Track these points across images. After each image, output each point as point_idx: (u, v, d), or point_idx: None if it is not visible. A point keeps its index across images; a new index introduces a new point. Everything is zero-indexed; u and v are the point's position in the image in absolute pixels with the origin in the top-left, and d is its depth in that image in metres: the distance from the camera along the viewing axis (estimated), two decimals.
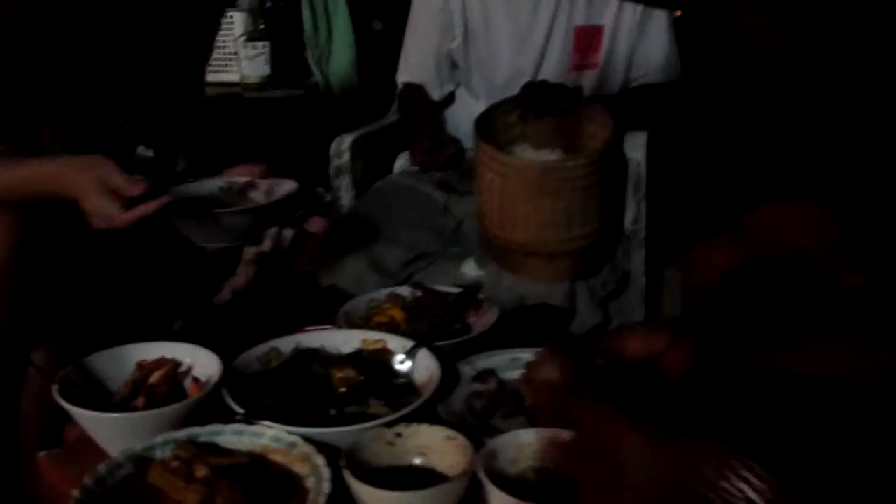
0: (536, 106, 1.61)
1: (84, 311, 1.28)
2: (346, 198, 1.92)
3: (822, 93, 0.99)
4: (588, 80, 1.83)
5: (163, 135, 1.47)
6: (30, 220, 1.17)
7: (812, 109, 1.01)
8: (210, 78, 2.59)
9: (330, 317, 1.22)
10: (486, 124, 1.60)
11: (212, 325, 1.44)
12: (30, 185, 1.15)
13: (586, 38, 1.81)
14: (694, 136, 2.08)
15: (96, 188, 1.09)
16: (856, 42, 0.94)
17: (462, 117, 1.90)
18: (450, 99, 1.94)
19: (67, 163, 1.14)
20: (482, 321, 1.22)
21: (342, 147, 1.91)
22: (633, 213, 1.76)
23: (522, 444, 0.90)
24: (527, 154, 1.60)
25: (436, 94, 1.90)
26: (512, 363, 1.10)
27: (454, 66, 1.89)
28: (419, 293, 1.29)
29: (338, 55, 2.53)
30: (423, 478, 0.88)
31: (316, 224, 1.76)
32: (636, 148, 1.73)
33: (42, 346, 1.19)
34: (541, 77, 1.80)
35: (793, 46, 0.98)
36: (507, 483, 0.82)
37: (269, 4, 2.57)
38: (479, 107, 1.77)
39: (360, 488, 0.82)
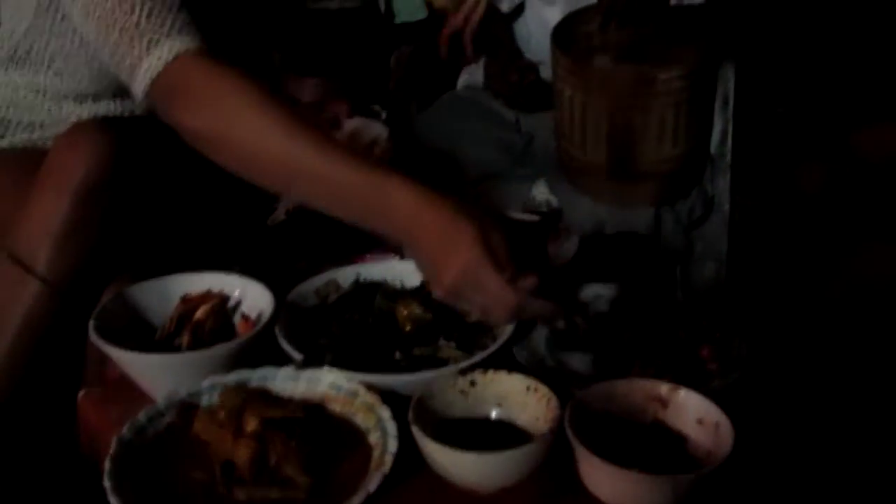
0: (619, 14, 1.45)
1: (157, 242, 1.16)
2: (409, 112, 1.79)
3: None
4: None
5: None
6: (123, 140, 1.02)
7: None
8: None
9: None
10: (564, 35, 1.44)
11: (265, 249, 1.34)
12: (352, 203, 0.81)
13: None
14: (786, 49, 1.90)
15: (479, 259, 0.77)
16: None
17: (534, 28, 1.74)
18: (520, 8, 1.78)
19: (432, 206, 0.78)
20: (560, 252, 1.10)
21: (402, 60, 1.77)
22: (719, 133, 1.61)
23: (616, 396, 0.79)
24: (609, 64, 1.44)
25: (505, 3, 1.74)
26: (596, 300, 1.01)
27: None
28: None
29: None
30: (502, 433, 0.78)
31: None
32: (725, 62, 1.57)
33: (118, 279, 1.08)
34: None
35: None
36: (599, 442, 0.71)
37: None
38: (554, 14, 1.61)
39: (430, 446, 0.72)
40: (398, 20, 2.37)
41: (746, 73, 1.68)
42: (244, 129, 0.82)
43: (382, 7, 2.35)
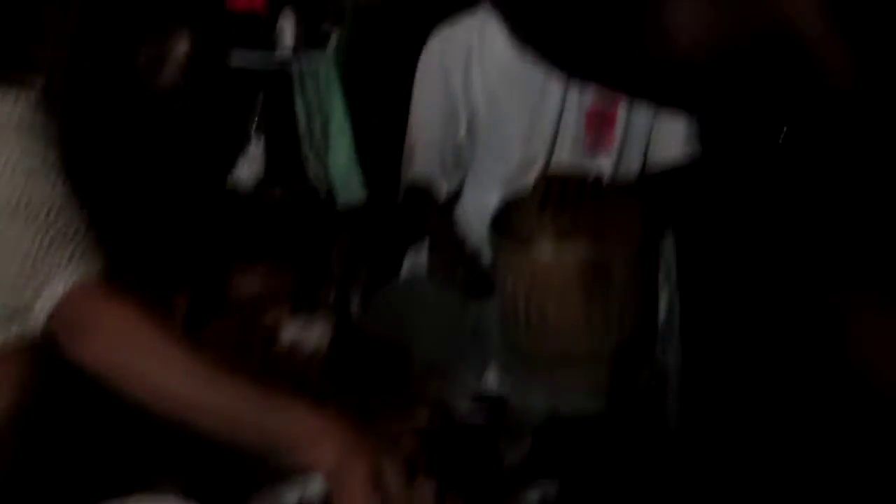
0: (556, 197, 1.47)
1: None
2: (353, 305, 1.77)
3: None
4: (604, 163, 1.71)
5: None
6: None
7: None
8: None
9: None
10: (502, 222, 1.46)
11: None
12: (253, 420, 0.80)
13: (599, 121, 1.69)
14: (724, 217, 1.95)
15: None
16: None
17: (473, 211, 1.77)
18: (458, 194, 1.81)
19: (329, 441, 0.78)
20: (512, 451, 1.07)
21: (344, 251, 1.77)
22: (665, 305, 1.61)
23: None
24: (550, 250, 1.45)
25: (443, 190, 1.77)
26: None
27: (461, 158, 1.77)
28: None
29: (336, 150, 2.42)
30: None
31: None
32: (664, 236, 1.60)
33: None
34: (554, 163, 1.68)
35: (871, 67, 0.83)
36: None
37: (262, 102, 2.47)
38: (491, 198, 1.64)
39: None
40: (339, 202, 2.40)
41: (686, 245, 1.70)
42: (142, 366, 0.82)
43: (322, 192, 2.38)
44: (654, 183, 1.70)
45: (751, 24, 0.81)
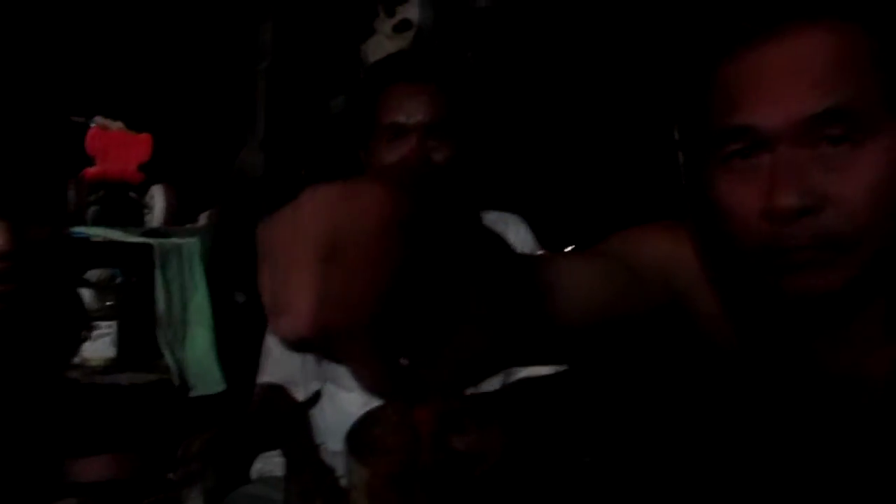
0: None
1: None
2: None
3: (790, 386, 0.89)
4: None
5: None
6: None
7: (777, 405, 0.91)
8: None
9: None
10: (362, 434, 1.41)
11: None
12: None
13: None
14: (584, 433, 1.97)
15: None
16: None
17: (332, 414, 1.71)
18: (316, 395, 1.76)
19: None
20: None
21: (192, 450, 1.67)
22: None
23: None
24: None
25: (300, 394, 1.72)
26: None
27: (320, 362, 1.73)
28: None
29: (194, 336, 2.33)
30: None
31: None
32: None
33: None
34: None
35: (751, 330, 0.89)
36: None
37: (119, 279, 2.38)
38: (353, 400, 1.60)
39: None
40: (194, 393, 2.29)
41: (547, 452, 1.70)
42: None
43: (176, 380, 2.27)
44: (513, 393, 1.71)
45: (646, 298, 0.87)
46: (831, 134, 0.74)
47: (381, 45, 2.88)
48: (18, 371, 1.27)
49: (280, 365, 1.73)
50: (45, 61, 3.26)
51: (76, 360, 2.25)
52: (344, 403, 1.67)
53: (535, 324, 0.71)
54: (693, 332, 0.94)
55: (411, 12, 2.82)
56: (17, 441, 1.31)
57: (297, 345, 0.45)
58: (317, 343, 0.44)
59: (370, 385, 0.46)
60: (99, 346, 2.22)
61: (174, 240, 2.39)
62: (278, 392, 1.73)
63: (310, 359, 1.72)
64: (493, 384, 1.74)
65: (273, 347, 1.76)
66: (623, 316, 0.85)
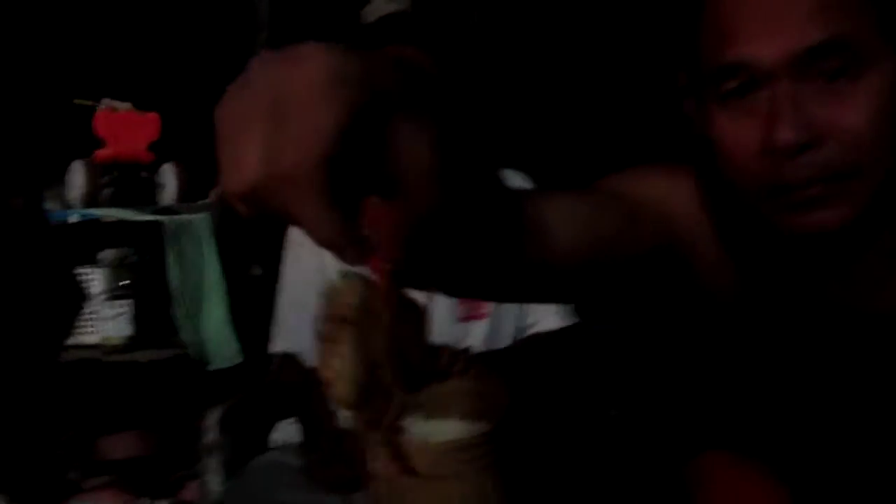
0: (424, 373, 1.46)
1: None
2: (214, 482, 1.68)
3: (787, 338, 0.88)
4: (477, 331, 1.72)
5: None
6: None
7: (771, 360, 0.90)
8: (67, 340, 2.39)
9: None
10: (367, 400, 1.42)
11: None
12: None
13: None
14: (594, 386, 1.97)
15: None
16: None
17: None
18: None
19: None
20: None
21: (210, 422, 1.70)
22: None
23: None
24: (417, 426, 1.42)
25: (315, 362, 1.74)
26: None
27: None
28: None
29: (209, 311, 2.35)
30: None
31: (192, 491, 1.57)
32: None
33: None
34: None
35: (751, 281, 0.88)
36: None
37: (133, 258, 2.40)
38: None
39: None
40: (212, 366, 2.31)
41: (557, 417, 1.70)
42: None
43: (194, 355, 2.30)
44: (524, 351, 1.72)
45: (641, 240, 0.86)
46: (829, 67, 0.73)
47: (381, 8, 2.85)
48: (9, 349, 1.28)
49: (292, 334, 1.75)
50: (50, 47, 3.28)
51: (95, 339, 2.28)
52: None
53: (519, 258, 0.73)
54: (690, 278, 0.93)
55: None
56: (22, 420, 1.33)
57: (248, 200, 0.47)
58: (267, 196, 0.46)
59: (322, 240, 0.48)
60: (117, 325, 2.25)
61: (184, 216, 2.40)
62: (291, 361, 1.74)
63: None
64: (504, 341, 1.75)
65: (285, 317, 1.77)
66: (615, 256, 0.84)
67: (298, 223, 0.47)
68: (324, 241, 0.48)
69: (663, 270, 0.91)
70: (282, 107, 0.45)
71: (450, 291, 0.77)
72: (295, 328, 1.75)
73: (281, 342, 1.77)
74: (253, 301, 2.40)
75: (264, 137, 0.45)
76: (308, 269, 1.71)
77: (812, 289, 0.86)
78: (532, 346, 1.73)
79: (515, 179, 1.72)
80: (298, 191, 0.45)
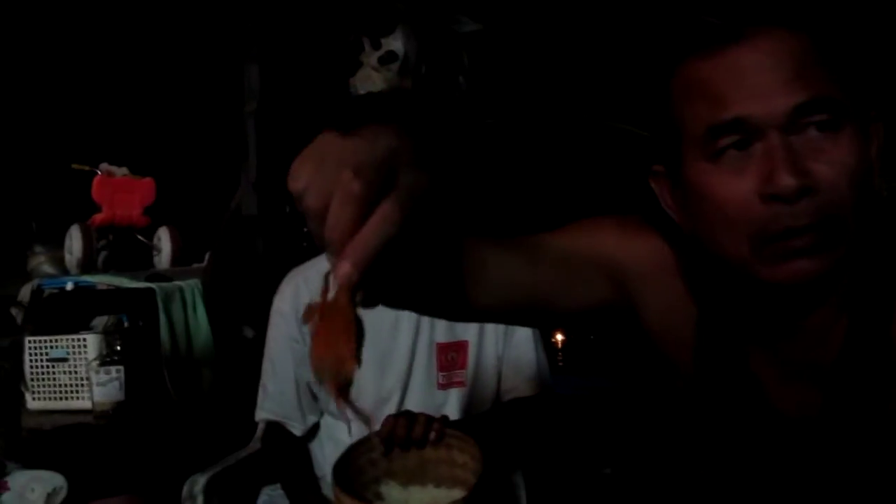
0: (400, 440, 1.49)
1: None
2: None
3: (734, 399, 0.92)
4: (457, 398, 1.75)
5: None
6: None
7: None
8: (59, 405, 2.43)
9: None
10: (346, 468, 1.45)
11: None
12: None
13: (450, 355, 1.75)
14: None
15: None
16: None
17: (329, 447, 1.76)
18: (315, 428, 1.81)
19: None
20: None
21: (195, 490, 1.73)
22: None
23: None
24: (395, 493, 1.45)
25: (298, 430, 1.77)
26: None
27: (315, 397, 1.78)
28: None
29: (200, 375, 2.39)
30: None
31: None
32: (512, 469, 1.63)
33: None
34: (409, 398, 1.71)
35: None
36: None
37: (126, 324, 2.45)
38: (346, 438, 1.65)
39: None
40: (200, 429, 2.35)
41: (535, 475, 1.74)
42: None
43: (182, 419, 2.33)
44: (501, 416, 1.74)
45: (585, 292, 0.93)
46: (818, 120, 0.79)
47: (369, 77, 2.94)
48: None
49: (276, 401, 1.78)
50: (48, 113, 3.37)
51: (87, 404, 2.32)
52: (340, 433, 1.72)
53: (458, 293, 0.87)
54: (640, 329, 0.98)
55: (396, 44, 2.89)
56: None
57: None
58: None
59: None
60: (108, 391, 2.28)
61: (175, 282, 2.46)
62: (276, 428, 1.78)
63: (305, 394, 1.77)
64: (483, 407, 1.78)
65: (268, 384, 1.80)
66: (549, 306, 0.95)
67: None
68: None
69: (614, 319, 0.97)
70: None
71: (415, 310, 0.91)
72: (277, 395, 1.78)
73: (265, 410, 1.81)
74: (245, 363, 2.45)
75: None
76: (286, 337, 1.76)
77: (764, 340, 0.91)
78: (511, 412, 1.76)
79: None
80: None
